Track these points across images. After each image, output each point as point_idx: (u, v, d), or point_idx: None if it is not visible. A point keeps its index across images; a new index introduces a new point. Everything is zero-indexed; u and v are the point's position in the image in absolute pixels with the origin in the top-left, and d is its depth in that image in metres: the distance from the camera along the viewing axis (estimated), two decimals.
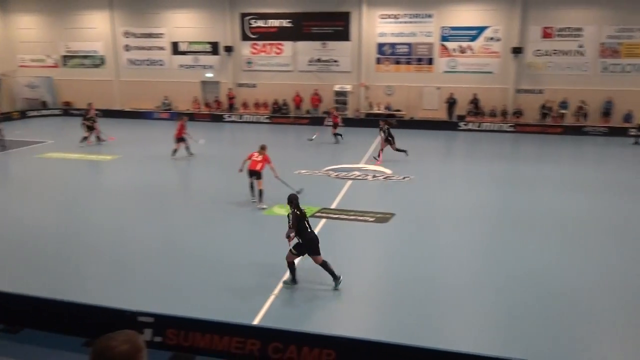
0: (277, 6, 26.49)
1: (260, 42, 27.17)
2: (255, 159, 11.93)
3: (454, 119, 25.25)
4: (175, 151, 16.92)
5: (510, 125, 24.28)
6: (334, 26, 26.21)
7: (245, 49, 27.43)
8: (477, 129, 24.46)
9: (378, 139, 18.06)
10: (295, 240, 7.70)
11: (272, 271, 8.38)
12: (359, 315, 7.39)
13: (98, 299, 6.70)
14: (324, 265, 7.69)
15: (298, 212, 7.67)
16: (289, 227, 7.61)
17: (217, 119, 27.18)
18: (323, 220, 10.98)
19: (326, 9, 25.96)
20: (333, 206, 12.00)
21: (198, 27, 27.70)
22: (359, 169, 15.88)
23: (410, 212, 11.68)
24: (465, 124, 24.71)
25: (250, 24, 27.05)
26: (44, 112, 28.99)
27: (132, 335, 1.98)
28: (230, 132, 24.98)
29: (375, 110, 26.41)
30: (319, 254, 7.69)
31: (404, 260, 9.05)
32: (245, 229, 10.62)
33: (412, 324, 6.87)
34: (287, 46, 26.92)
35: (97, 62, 29.56)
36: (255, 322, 6.68)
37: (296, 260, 7.90)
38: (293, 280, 7.89)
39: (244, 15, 26.99)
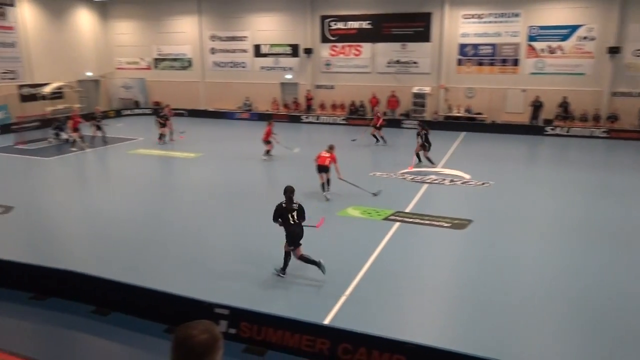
0: (357, 8, 26.54)
1: (340, 44, 27.36)
2: (324, 155, 12.77)
3: (540, 123, 23.92)
4: (267, 152, 17.43)
5: (604, 131, 22.57)
6: (415, 27, 25.80)
7: (325, 51, 27.75)
8: (566, 134, 22.98)
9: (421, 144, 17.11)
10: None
11: (343, 272, 8.40)
12: (431, 322, 7.21)
13: (178, 288, 7.05)
14: (302, 258, 8.06)
15: (283, 205, 8.08)
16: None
17: (295, 119, 27.71)
18: (397, 224, 10.84)
19: (407, 10, 25.62)
20: (408, 210, 11.81)
21: (279, 30, 28.41)
22: (435, 173, 15.50)
23: (488, 219, 11.22)
24: (552, 129, 23.30)
25: (330, 26, 27.33)
26: (136, 111, 31.09)
27: (210, 325, 2.07)
28: (307, 132, 25.35)
29: (455, 113, 25.68)
30: (297, 246, 8.09)
31: (478, 268, 8.71)
32: (319, 229, 10.69)
33: (484, 334, 6.60)
34: (366, 48, 26.89)
35: (185, 64, 31.22)
36: (326, 321, 6.73)
37: (303, 252, 8.17)
38: (282, 270, 8.22)
39: (324, 17, 27.32)
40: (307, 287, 7.92)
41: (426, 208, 11.90)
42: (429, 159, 16.58)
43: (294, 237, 8.06)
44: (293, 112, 28.47)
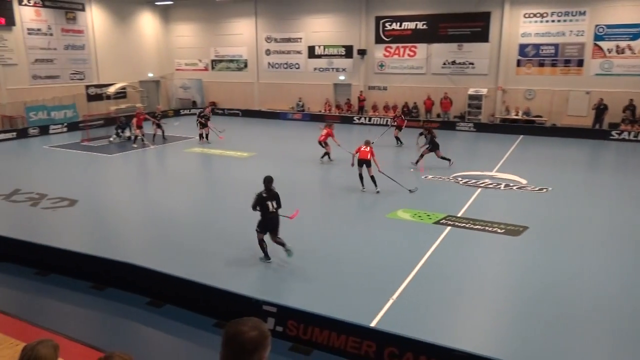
0: (413, 9, 26.18)
1: (394, 45, 27.09)
2: (364, 149, 13.33)
3: (605, 127, 22.69)
4: (326, 154, 17.40)
5: None
6: (472, 27, 25.14)
7: (378, 52, 27.57)
8: (633, 139, 21.65)
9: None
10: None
11: (392, 275, 8.31)
12: (480, 330, 6.99)
13: (228, 284, 7.20)
14: (277, 241, 8.73)
15: (263, 195, 8.59)
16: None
17: (347, 120, 27.69)
18: (448, 228, 10.59)
19: (464, 10, 25.00)
20: (460, 214, 11.52)
21: (333, 31, 28.49)
22: (490, 177, 15.03)
23: (544, 227, 10.75)
24: (618, 133, 22.02)
25: (384, 27, 27.12)
26: (194, 110, 32.03)
27: (258, 322, 2.10)
28: (359, 134, 25.25)
29: (513, 116, 24.81)
30: (277, 233, 8.72)
31: (532, 277, 8.36)
32: (368, 231, 10.65)
33: (534, 345, 6.31)
34: (421, 48, 26.48)
35: (241, 65, 31.92)
36: (373, 324, 6.67)
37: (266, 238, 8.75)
38: (265, 256, 8.80)
39: (379, 18, 27.14)
40: (355, 289, 7.89)
41: (479, 213, 11.57)
42: (444, 158, 16.35)
43: (270, 224, 8.65)
44: (345, 113, 28.46)
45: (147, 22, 32.01)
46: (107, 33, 29.32)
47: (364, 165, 13.28)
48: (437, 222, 10.98)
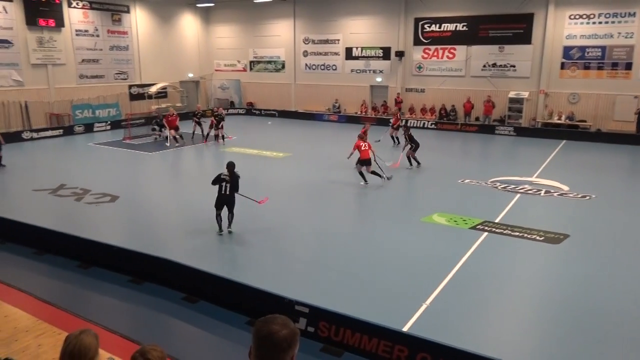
0: (453, 10, 25.79)
1: (433, 47, 26.75)
2: (365, 148, 13.92)
3: None
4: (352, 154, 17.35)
5: None
6: (514, 29, 24.54)
7: (417, 54, 27.28)
8: None
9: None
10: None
11: (425, 280, 8.20)
12: (515, 339, 6.79)
13: (261, 282, 7.26)
14: (229, 217, 10.20)
15: (222, 177, 9.96)
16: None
17: (383, 122, 27.48)
18: (485, 234, 10.36)
19: (507, 11, 24.43)
20: (497, 220, 11.25)
21: (372, 32, 28.38)
22: (530, 183, 14.63)
23: (587, 235, 10.37)
24: None
25: (423, 28, 26.82)
26: (231, 111, 32.58)
27: (286, 319, 2.10)
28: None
29: (555, 120, 24.07)
30: (230, 210, 10.18)
31: (571, 287, 8.07)
32: (402, 235, 10.54)
33: (571, 358, 6.10)
34: (460, 50, 26.04)
35: (279, 66, 32.20)
36: (405, 328, 6.59)
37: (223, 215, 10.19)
38: (219, 229, 10.18)
39: (418, 20, 26.86)
40: (388, 293, 7.82)
41: (517, 219, 11.26)
42: (413, 158, 16.49)
43: (222, 201, 10.06)
44: (381, 115, 28.28)
45: (188, 24, 32.73)
46: (149, 34, 30.14)
47: (366, 165, 13.97)
48: (473, 228, 10.76)
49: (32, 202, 12.79)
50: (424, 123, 26.63)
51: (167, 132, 21.15)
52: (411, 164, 16.57)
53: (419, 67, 27.39)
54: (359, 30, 28.73)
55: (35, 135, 22.83)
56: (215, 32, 34.00)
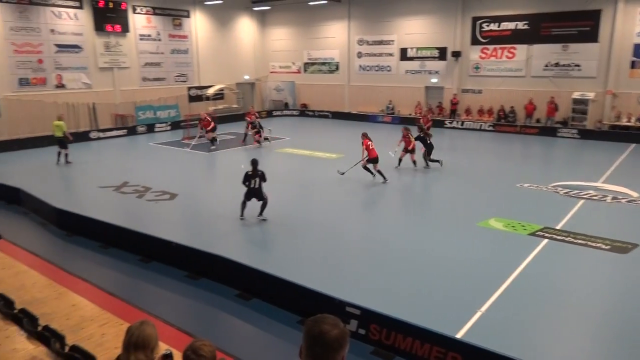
0: (513, 8, 24.92)
1: (491, 46, 25.96)
2: (372, 147, 14.71)
3: None
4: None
5: None
6: (580, 26, 23.38)
7: (474, 54, 26.57)
8: None
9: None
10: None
11: (481, 286, 7.96)
12: (572, 351, 6.46)
13: (313, 282, 7.29)
14: (263, 204, 11.21)
15: (249, 173, 10.98)
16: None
17: (438, 124, 26.99)
18: (545, 241, 9.93)
19: (571, 8, 23.34)
20: (559, 226, 10.75)
21: (427, 32, 27.92)
22: (595, 188, 13.88)
23: None
24: None
25: (482, 27, 26.09)
26: (285, 112, 33.04)
27: (337, 320, 2.10)
28: (450, 138, 24.54)
29: (624, 122, 22.73)
30: (259, 198, 11.19)
31: (638, 299, 7.60)
32: (458, 239, 10.29)
33: None
34: (521, 50, 25.12)
35: (333, 68, 32.31)
36: (458, 335, 6.43)
37: (248, 203, 11.26)
38: (241, 215, 11.27)
39: (476, 19, 26.17)
40: (442, 297, 7.66)
41: (581, 226, 10.72)
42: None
43: (250, 194, 11.12)
44: (436, 116, 27.75)
45: (245, 27, 33.47)
46: (208, 38, 31.07)
47: (373, 163, 14.72)
48: (533, 234, 10.34)
49: (98, 198, 13.49)
50: (480, 125, 25.91)
51: (205, 134, 21.31)
52: (424, 163, 16.69)
53: (476, 68, 26.66)
54: (414, 30, 28.35)
55: (101, 134, 24.09)
56: (271, 35, 34.57)
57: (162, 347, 3.33)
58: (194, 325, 6.93)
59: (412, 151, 16.38)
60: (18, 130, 22.21)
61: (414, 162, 16.54)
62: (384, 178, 14.67)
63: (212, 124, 21.21)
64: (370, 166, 14.90)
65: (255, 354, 6.34)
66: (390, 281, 8.29)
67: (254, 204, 11.25)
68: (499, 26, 25.54)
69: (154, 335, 3.14)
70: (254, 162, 11.11)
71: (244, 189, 11.11)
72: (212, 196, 14.04)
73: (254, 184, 10.99)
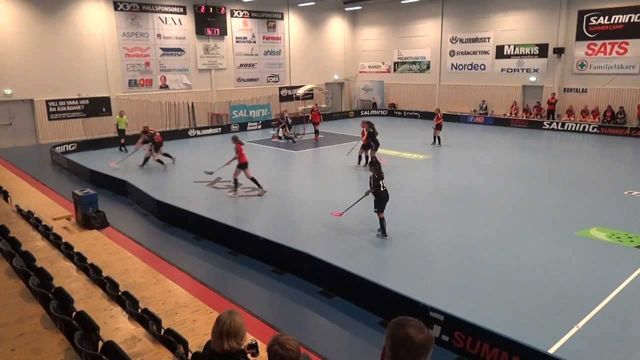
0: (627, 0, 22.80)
1: (599, 42, 23.96)
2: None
3: None
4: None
5: None
6: None
7: (579, 50, 24.68)
8: None
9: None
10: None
11: (579, 300, 7.39)
12: None
13: (396, 284, 7.19)
14: (382, 221, 9.94)
15: (375, 175, 9.70)
16: (369, 186, 9.90)
17: (535, 125, 25.47)
18: None
19: None
20: None
21: (527, 28, 26.39)
22: None
23: None
24: None
25: (589, 22, 24.16)
26: (373, 112, 32.90)
27: (421, 324, 2.05)
28: (548, 140, 23.03)
29: None
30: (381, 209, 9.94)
31: None
32: (553, 248, 9.63)
33: None
34: (634, 45, 22.91)
35: (424, 67, 31.65)
36: (551, 351, 6.01)
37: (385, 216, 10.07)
38: (383, 232, 10.00)
39: (582, 12, 24.28)
40: (535, 310, 7.21)
41: None
42: (367, 158, 16.20)
43: (384, 201, 9.86)
44: (534, 117, 26.17)
45: (336, 27, 33.81)
46: (300, 39, 31.79)
47: (365, 149, 15.98)
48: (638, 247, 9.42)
49: (193, 192, 14.32)
50: (584, 127, 24.03)
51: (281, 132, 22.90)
52: (359, 163, 16.73)
53: (581, 65, 24.74)
54: (512, 27, 26.93)
55: (198, 132, 25.55)
56: (361, 35, 34.60)
57: (249, 338, 3.47)
58: (276, 319, 7.12)
59: (368, 147, 16.46)
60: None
61: (365, 157, 16.65)
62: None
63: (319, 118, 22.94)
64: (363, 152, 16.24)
65: (335, 352, 6.38)
66: (480, 289, 7.95)
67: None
68: (609, 20, 23.51)
69: (243, 324, 3.30)
70: (373, 164, 10.04)
71: (330, 187, 11.14)
72: (300, 193, 14.33)
73: (383, 186, 9.79)
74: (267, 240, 9.15)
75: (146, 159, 17.27)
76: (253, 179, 13.71)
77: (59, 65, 22.86)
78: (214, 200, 13.55)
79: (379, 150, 16.42)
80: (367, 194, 10.07)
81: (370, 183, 9.80)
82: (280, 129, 23.14)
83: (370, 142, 16.32)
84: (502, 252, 9.52)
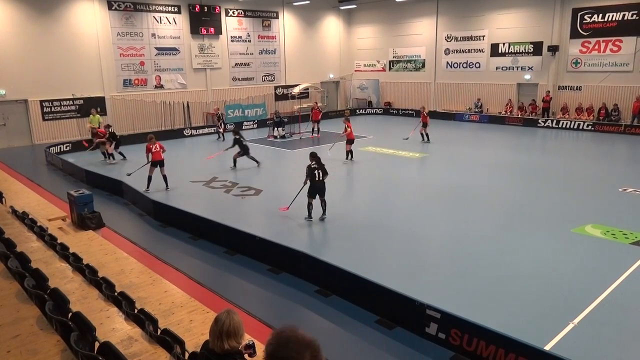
0: None
1: (593, 39, 24.04)
2: (349, 130, 17.17)
3: None
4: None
5: None
6: None
7: (574, 48, 24.76)
8: None
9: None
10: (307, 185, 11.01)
11: (575, 296, 7.44)
12: None
13: (393, 283, 7.20)
14: (309, 206, 11.03)
15: (311, 166, 10.86)
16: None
17: (530, 123, 25.54)
18: None
19: None
20: None
21: (521, 27, 26.46)
22: None
23: None
24: None
25: (583, 19, 24.24)
26: (369, 110, 32.92)
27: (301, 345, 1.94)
28: (543, 138, 23.12)
29: None
30: (322, 198, 11.07)
31: None
32: (548, 245, 9.67)
33: None
34: (628, 42, 23.01)
35: (419, 65, 31.68)
36: (547, 347, 6.04)
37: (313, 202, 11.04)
38: (309, 216, 11.07)
39: (577, 10, 24.36)
40: (531, 306, 7.24)
41: None
42: (234, 161, 16.91)
43: (314, 190, 10.93)
44: (529, 115, 26.25)
45: (331, 26, 33.79)
46: (295, 38, 31.75)
47: (350, 144, 17.15)
48: (636, 243, 9.47)
49: (189, 192, 14.29)
50: (579, 124, 24.14)
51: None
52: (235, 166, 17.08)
53: (576, 63, 24.84)
54: (506, 24, 27.00)
55: (194, 132, 25.48)
56: (356, 33, 34.59)
57: (247, 338, 3.46)
58: (274, 318, 7.12)
59: (352, 142, 17.58)
60: (120, 127, 24.08)
61: (349, 152, 17.67)
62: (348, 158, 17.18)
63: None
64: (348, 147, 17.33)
65: (332, 350, 6.38)
66: (475, 286, 7.98)
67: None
68: (603, 17, 23.59)
69: (241, 323, 3.30)
70: (315, 154, 11.15)
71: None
72: (294, 193, 14.31)
73: (318, 176, 10.95)
74: (263, 239, 9.15)
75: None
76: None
77: (53, 66, 22.73)
78: (210, 200, 13.53)
79: (380, 148, 16.43)
80: (305, 183, 11.05)
81: (306, 172, 10.94)
82: (276, 128, 23.26)
83: (240, 147, 16.82)
84: (498, 249, 9.56)
